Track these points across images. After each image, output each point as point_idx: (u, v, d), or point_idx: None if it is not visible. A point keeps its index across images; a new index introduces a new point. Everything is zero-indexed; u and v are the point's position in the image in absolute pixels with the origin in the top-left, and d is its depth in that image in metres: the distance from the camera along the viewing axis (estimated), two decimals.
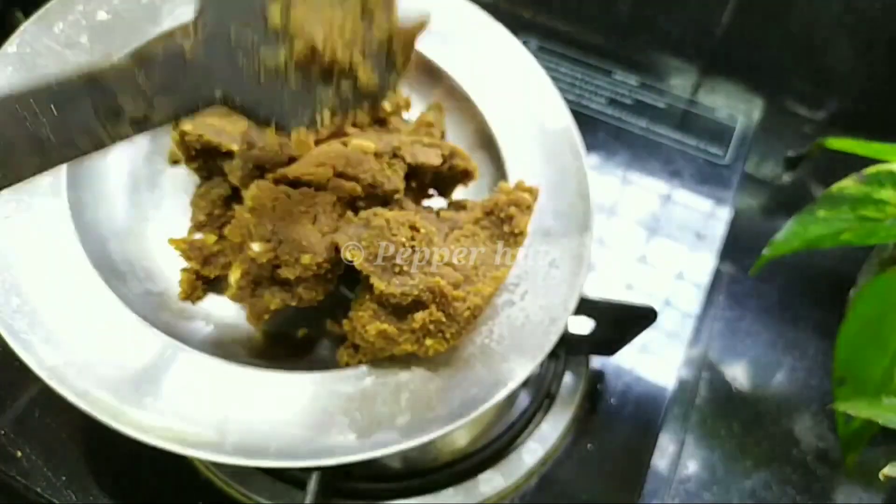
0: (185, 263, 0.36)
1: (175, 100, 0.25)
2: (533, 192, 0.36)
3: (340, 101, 0.29)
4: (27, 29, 0.37)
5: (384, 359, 0.33)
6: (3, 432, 0.38)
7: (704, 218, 0.57)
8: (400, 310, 0.32)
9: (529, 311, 0.35)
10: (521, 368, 0.32)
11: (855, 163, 0.48)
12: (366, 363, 0.33)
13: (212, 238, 0.36)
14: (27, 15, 0.58)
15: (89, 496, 0.37)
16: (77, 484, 0.37)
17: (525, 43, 0.48)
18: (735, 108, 0.66)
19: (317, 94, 0.29)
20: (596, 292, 0.40)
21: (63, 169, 0.34)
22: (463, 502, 0.39)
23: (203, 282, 0.36)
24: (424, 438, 0.30)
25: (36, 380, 0.40)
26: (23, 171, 0.20)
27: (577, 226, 0.38)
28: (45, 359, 0.30)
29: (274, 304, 0.34)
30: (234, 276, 0.34)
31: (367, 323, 0.32)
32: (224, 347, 0.35)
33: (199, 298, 0.36)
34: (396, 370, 0.33)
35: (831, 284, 0.56)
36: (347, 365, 0.34)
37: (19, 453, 0.38)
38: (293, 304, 0.34)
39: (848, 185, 0.47)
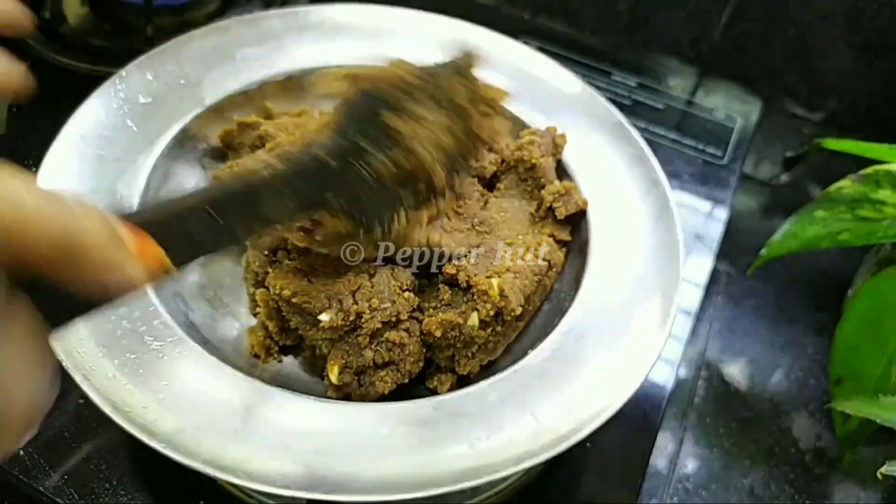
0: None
1: (300, 203, 0.28)
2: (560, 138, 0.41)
3: (415, 200, 0.32)
4: (76, 119, 0.39)
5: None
6: None
7: (703, 218, 0.57)
8: (457, 297, 0.35)
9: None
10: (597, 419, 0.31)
11: (852, 163, 0.49)
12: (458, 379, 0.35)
13: (275, 327, 0.36)
14: None
15: (91, 494, 0.37)
16: (79, 482, 0.38)
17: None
18: (733, 109, 0.67)
19: (399, 196, 0.31)
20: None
21: None
22: (462, 501, 0.40)
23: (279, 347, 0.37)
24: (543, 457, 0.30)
25: None
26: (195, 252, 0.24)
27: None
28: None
29: (386, 388, 0.34)
30: (332, 373, 0.33)
31: (432, 325, 0.33)
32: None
33: (277, 360, 0.37)
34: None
35: (829, 284, 0.56)
36: (437, 392, 0.35)
37: (21, 451, 0.38)
38: (405, 381, 0.34)
39: (845, 185, 0.48)
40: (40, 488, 0.37)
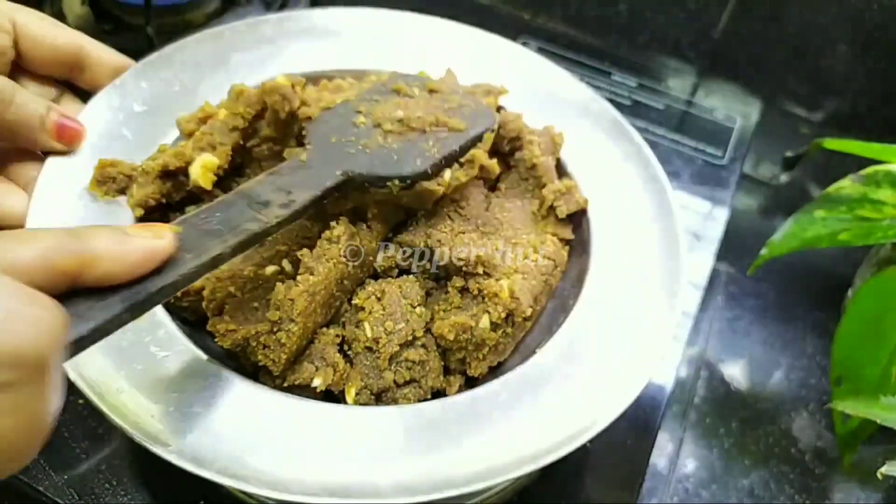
0: None
1: (308, 187, 0.32)
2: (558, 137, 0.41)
3: (442, 146, 0.35)
4: None
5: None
6: None
7: (703, 218, 0.57)
8: (467, 300, 0.35)
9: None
10: (604, 417, 0.31)
11: (852, 163, 0.49)
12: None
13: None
14: None
15: (91, 494, 0.37)
16: (79, 482, 0.38)
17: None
18: (733, 109, 0.67)
19: (419, 145, 0.35)
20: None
21: None
22: (462, 502, 0.40)
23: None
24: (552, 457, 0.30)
25: None
26: (209, 251, 0.27)
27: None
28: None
29: (410, 404, 0.33)
30: (349, 396, 0.33)
31: (444, 328, 0.33)
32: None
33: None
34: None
35: (829, 284, 0.56)
36: (445, 393, 0.34)
37: None
38: (427, 396, 0.34)
39: (845, 185, 0.48)
40: (40, 488, 0.37)
